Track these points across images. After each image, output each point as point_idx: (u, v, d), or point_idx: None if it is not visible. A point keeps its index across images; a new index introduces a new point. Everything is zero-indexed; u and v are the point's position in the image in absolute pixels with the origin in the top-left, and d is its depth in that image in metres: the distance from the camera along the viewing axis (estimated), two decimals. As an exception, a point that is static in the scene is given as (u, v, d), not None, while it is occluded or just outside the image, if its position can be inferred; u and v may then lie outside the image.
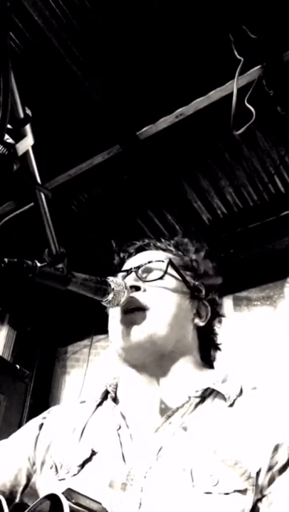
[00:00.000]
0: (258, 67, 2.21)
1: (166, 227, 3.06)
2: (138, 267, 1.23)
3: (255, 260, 3.09)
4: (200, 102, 2.39)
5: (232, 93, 2.18)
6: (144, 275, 1.22)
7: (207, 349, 1.29)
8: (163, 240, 1.35)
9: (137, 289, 1.17)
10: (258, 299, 3.24)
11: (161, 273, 1.20)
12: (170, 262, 1.22)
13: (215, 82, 2.32)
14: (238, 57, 2.13)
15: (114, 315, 1.19)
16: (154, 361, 1.15)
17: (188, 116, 2.44)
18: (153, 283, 1.19)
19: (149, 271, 1.23)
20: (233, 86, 2.17)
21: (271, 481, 0.92)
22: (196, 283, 1.26)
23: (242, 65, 2.14)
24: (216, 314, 1.31)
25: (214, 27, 2.15)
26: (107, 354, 3.71)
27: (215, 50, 2.21)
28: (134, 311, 1.15)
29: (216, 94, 2.35)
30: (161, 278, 1.19)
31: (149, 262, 1.23)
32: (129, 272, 1.23)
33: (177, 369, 1.16)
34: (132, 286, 1.16)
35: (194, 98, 2.39)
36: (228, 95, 2.26)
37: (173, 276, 1.22)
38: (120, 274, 1.23)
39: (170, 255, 1.28)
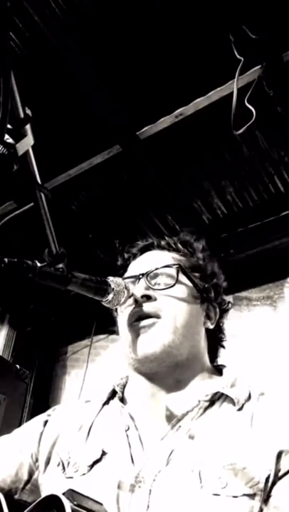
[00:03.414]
0: (258, 67, 2.21)
1: (166, 227, 3.06)
2: (147, 274, 1.20)
3: (255, 260, 3.09)
4: (200, 102, 2.39)
5: (232, 93, 2.18)
6: (154, 282, 1.19)
7: (215, 349, 1.29)
8: (167, 239, 1.32)
9: (148, 298, 1.15)
10: (258, 299, 3.24)
11: (172, 281, 1.18)
12: (180, 268, 1.20)
13: (215, 82, 2.32)
14: (238, 57, 2.13)
15: (124, 324, 1.17)
16: (167, 370, 1.14)
17: (188, 116, 2.44)
18: (164, 291, 1.17)
19: (158, 277, 1.20)
20: (233, 86, 2.17)
21: (273, 485, 0.92)
22: (206, 285, 1.25)
23: (242, 65, 2.14)
24: (224, 313, 1.31)
25: (214, 27, 2.15)
26: (107, 354, 3.70)
27: (215, 50, 2.21)
28: (145, 319, 1.13)
29: (216, 94, 2.34)
30: (172, 286, 1.17)
31: (158, 268, 1.20)
32: (137, 278, 1.20)
33: (189, 377, 1.16)
34: (142, 296, 1.14)
35: (194, 98, 2.39)
36: (228, 95, 2.25)
37: (183, 281, 1.20)
38: (127, 280, 1.20)
39: (176, 256, 1.26)
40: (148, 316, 1.14)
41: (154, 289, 1.17)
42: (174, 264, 1.20)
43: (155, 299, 1.16)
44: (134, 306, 1.16)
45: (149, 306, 1.14)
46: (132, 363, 1.17)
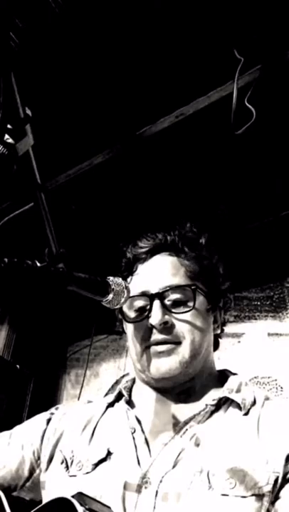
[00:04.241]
0: (258, 67, 2.21)
1: (166, 226, 3.05)
2: (161, 294, 1.15)
3: (255, 260, 3.09)
4: (200, 102, 2.39)
5: (232, 93, 2.18)
6: (169, 303, 1.15)
7: (217, 347, 1.29)
8: (174, 237, 1.28)
9: (166, 323, 1.13)
10: (258, 299, 3.24)
11: (190, 303, 1.15)
12: (197, 289, 1.17)
13: (215, 82, 2.32)
14: (238, 57, 2.13)
15: (138, 342, 1.16)
16: (179, 384, 1.15)
17: (188, 116, 2.44)
18: (182, 315, 1.14)
19: (174, 296, 1.16)
20: (233, 86, 2.17)
21: (280, 488, 0.93)
22: (214, 292, 1.23)
23: (242, 65, 2.14)
24: (227, 311, 1.31)
25: (214, 27, 2.14)
26: (107, 354, 3.70)
27: (215, 50, 2.20)
28: (165, 344, 1.12)
29: (216, 94, 2.34)
30: (190, 310, 1.14)
31: (173, 288, 1.16)
32: (151, 298, 1.16)
33: (197, 385, 1.17)
34: (160, 324, 1.11)
35: (194, 98, 2.39)
36: (228, 95, 2.25)
37: (198, 299, 1.18)
38: (136, 291, 1.17)
39: (186, 262, 1.22)
40: (168, 342, 1.12)
41: (172, 312, 1.14)
42: (191, 285, 1.16)
43: (173, 325, 1.13)
44: (150, 329, 1.14)
45: (168, 335, 1.12)
46: (146, 379, 1.18)
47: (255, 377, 2.87)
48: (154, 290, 1.16)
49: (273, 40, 2.13)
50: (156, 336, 1.12)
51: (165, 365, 1.11)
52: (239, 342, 3.05)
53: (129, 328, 1.21)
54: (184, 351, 1.12)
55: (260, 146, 2.60)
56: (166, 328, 1.12)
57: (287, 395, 2.81)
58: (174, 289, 1.16)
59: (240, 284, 3.19)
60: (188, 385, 1.15)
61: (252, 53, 2.14)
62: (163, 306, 1.14)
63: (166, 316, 1.13)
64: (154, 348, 1.13)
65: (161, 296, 1.14)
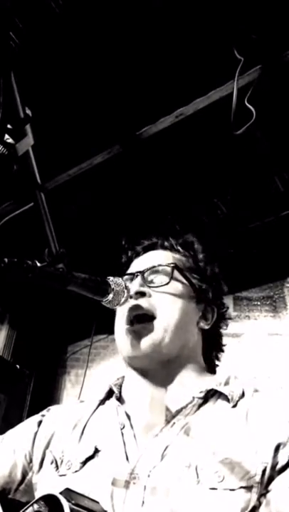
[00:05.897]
0: (258, 67, 2.21)
1: (166, 227, 3.05)
2: (143, 272, 1.23)
3: (255, 260, 3.09)
4: (200, 102, 2.39)
5: (232, 93, 2.18)
6: (150, 279, 1.22)
7: (211, 351, 1.29)
8: (171, 239, 1.35)
9: (142, 294, 1.17)
10: (258, 299, 3.24)
11: (167, 279, 1.20)
12: (175, 267, 1.22)
13: (215, 82, 2.32)
14: (238, 57, 2.13)
15: (120, 323, 1.20)
16: (159, 367, 1.16)
17: (188, 116, 2.44)
18: (159, 288, 1.19)
19: (154, 275, 1.23)
20: (233, 86, 2.17)
21: (270, 480, 0.92)
22: (203, 286, 1.26)
23: (242, 65, 2.14)
24: (222, 317, 1.31)
25: (214, 27, 2.14)
26: (107, 354, 3.71)
27: (215, 50, 2.21)
28: (140, 322, 1.15)
29: (216, 94, 2.34)
30: (166, 284, 1.19)
31: (154, 267, 1.24)
32: (134, 275, 1.23)
33: (182, 373, 1.17)
34: (137, 293, 1.16)
35: (194, 98, 2.39)
36: (228, 95, 2.25)
37: (179, 280, 1.23)
38: (126, 277, 1.23)
39: (177, 256, 1.28)
40: (142, 317, 1.16)
41: (149, 287, 1.20)
42: (170, 264, 1.23)
43: (149, 296, 1.18)
44: (129, 303, 1.17)
45: (144, 302, 1.17)
46: (126, 359, 1.21)
47: (255, 378, 2.87)
48: (138, 270, 1.25)
49: (273, 40, 2.13)
50: (133, 306, 1.16)
51: (138, 342, 1.14)
52: (239, 342, 3.05)
53: (116, 314, 1.25)
54: (158, 328, 1.15)
55: (260, 146, 2.60)
56: (142, 297, 1.17)
57: (284, 391, 2.80)
58: (156, 267, 1.24)
59: (240, 284, 3.19)
60: (170, 371, 1.16)
61: (252, 53, 2.14)
62: (143, 279, 1.21)
63: (144, 288, 1.19)
64: (131, 329, 1.16)
65: (142, 273, 1.23)
